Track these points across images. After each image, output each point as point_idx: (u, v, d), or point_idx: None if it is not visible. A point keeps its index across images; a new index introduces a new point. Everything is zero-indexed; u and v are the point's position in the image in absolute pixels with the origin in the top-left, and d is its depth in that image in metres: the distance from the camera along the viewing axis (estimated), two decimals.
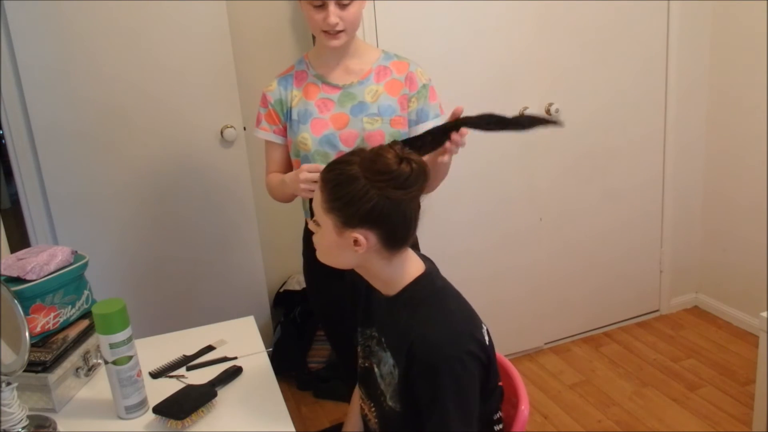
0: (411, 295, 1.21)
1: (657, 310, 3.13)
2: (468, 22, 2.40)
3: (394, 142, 1.21)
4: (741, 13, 2.69)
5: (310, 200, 1.67)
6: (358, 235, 1.15)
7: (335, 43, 1.60)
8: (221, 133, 2.37)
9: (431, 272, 1.26)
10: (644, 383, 2.60)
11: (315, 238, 1.26)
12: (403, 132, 1.67)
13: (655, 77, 2.81)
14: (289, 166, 1.78)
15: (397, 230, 1.17)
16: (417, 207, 1.20)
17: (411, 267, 1.24)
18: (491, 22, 2.43)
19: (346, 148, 1.63)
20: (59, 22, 2.10)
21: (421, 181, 1.16)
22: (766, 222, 2.74)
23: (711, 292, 3.10)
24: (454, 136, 1.44)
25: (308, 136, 1.65)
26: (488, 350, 1.20)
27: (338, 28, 1.57)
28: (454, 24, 2.39)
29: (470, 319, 1.20)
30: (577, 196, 2.79)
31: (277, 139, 1.73)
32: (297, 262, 1.86)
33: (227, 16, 2.30)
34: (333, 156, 1.64)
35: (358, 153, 1.20)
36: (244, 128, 2.41)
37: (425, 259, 1.30)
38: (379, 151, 1.17)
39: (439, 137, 1.46)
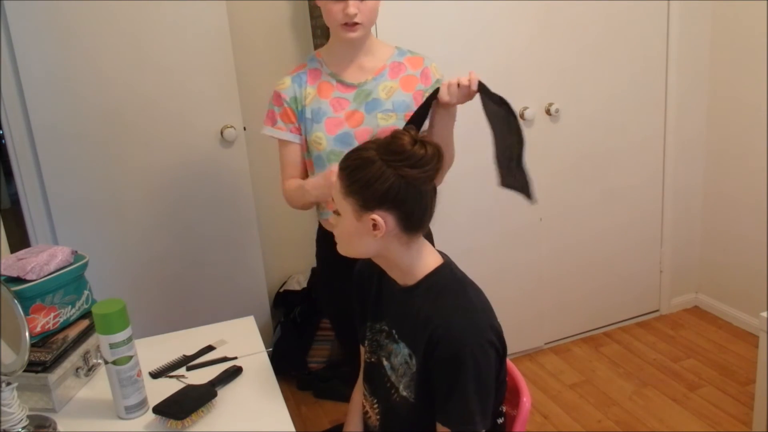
0: (431, 284, 1.23)
1: (657, 310, 3.13)
2: (468, 22, 2.40)
3: (409, 127, 1.23)
4: (741, 13, 2.69)
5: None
6: (377, 216, 1.17)
7: (353, 35, 1.60)
8: (221, 133, 2.37)
9: (450, 264, 1.29)
10: (644, 383, 2.60)
11: (336, 230, 1.27)
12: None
13: (655, 77, 2.81)
14: (305, 168, 1.75)
15: (414, 211, 1.19)
16: (433, 191, 1.22)
17: (429, 257, 1.26)
18: (491, 23, 2.43)
19: None
20: (59, 23, 2.10)
21: (435, 161, 1.17)
22: (766, 222, 2.73)
23: (711, 292, 3.10)
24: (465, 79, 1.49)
25: (323, 135, 1.64)
26: (503, 341, 1.22)
27: (357, 19, 1.57)
28: (454, 24, 2.39)
29: (489, 309, 1.23)
30: (577, 196, 2.79)
31: (295, 138, 1.70)
32: (297, 262, 1.87)
33: (227, 16, 2.30)
34: None
35: (374, 141, 1.22)
36: (245, 128, 2.41)
37: (441, 253, 1.32)
38: (394, 134, 1.20)
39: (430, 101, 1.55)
